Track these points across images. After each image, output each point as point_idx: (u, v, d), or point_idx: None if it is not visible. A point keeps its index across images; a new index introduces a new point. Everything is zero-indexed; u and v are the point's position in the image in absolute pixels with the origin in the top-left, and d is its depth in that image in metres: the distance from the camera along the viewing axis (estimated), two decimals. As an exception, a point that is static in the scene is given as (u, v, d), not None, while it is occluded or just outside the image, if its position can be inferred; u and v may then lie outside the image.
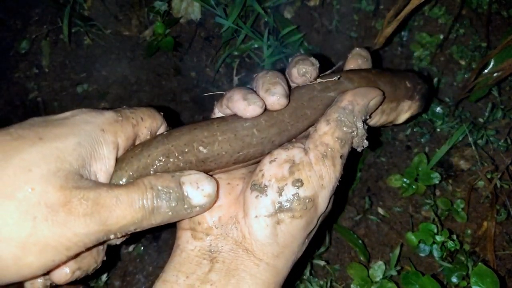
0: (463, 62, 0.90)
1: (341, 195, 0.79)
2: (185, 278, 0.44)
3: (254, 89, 0.47)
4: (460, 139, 0.81)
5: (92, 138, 0.40)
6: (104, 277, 0.72)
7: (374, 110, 0.52)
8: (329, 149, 0.46)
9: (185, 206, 0.42)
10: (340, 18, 0.91)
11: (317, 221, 0.47)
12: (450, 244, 0.72)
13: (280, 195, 0.44)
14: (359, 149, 0.49)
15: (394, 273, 0.71)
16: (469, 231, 0.76)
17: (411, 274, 0.68)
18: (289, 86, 0.48)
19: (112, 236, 0.39)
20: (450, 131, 0.83)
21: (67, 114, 0.43)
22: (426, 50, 0.89)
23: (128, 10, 0.94)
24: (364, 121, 0.49)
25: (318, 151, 0.46)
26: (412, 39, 0.91)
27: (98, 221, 0.37)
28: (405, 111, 0.59)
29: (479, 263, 0.65)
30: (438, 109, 0.84)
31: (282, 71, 0.49)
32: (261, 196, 0.44)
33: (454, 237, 0.73)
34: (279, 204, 0.44)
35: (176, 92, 0.89)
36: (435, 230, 0.73)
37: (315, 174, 0.45)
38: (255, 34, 0.86)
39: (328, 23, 0.91)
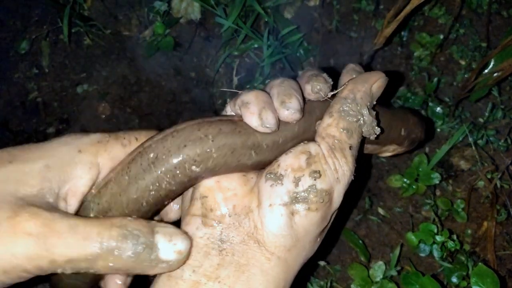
0: (463, 62, 0.90)
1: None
2: (191, 272, 0.40)
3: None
4: (460, 139, 0.81)
5: (65, 159, 0.39)
6: (104, 278, 0.71)
7: (380, 94, 0.49)
8: (336, 141, 0.44)
9: (152, 257, 0.37)
10: (340, 18, 0.91)
11: (331, 218, 0.45)
12: (450, 244, 0.72)
13: (297, 185, 0.42)
14: (372, 137, 0.46)
15: (394, 273, 0.71)
16: (469, 231, 0.76)
17: (411, 274, 0.68)
18: (303, 98, 0.47)
19: (59, 270, 0.35)
20: (450, 131, 0.83)
21: (57, 138, 0.42)
22: (426, 50, 0.89)
23: (128, 10, 0.94)
24: (371, 107, 0.47)
25: (326, 142, 0.44)
26: (412, 39, 0.91)
27: (42, 245, 0.33)
28: (389, 152, 0.59)
29: (479, 263, 0.65)
30: (438, 109, 0.84)
31: (294, 78, 0.49)
32: (276, 185, 0.43)
33: (454, 237, 0.73)
34: (295, 195, 0.42)
35: (176, 92, 0.89)
36: (435, 230, 0.72)
37: (329, 167, 0.43)
38: (255, 34, 0.86)
39: (328, 23, 0.91)
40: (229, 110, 0.48)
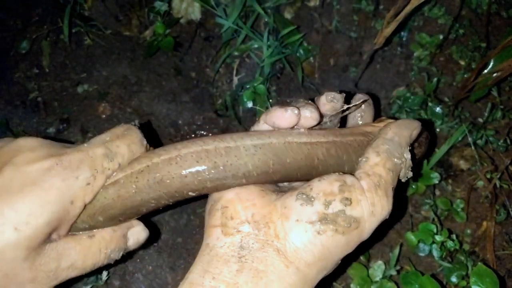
0: (462, 62, 0.90)
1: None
2: (211, 279, 0.42)
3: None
4: (460, 139, 0.81)
5: (62, 206, 0.44)
6: (104, 277, 0.72)
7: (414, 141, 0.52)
8: (383, 181, 0.46)
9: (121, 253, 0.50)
10: (340, 19, 0.91)
11: (354, 248, 0.46)
12: (449, 244, 0.72)
13: (327, 207, 0.43)
14: (403, 180, 0.49)
15: (393, 272, 0.71)
16: (468, 231, 0.76)
17: (411, 273, 0.68)
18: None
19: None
20: (449, 131, 0.84)
21: (38, 173, 0.44)
22: (426, 50, 0.89)
23: (128, 10, 0.95)
24: (410, 152, 0.49)
25: (371, 180, 0.46)
26: (412, 39, 0.91)
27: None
28: None
29: (479, 263, 0.65)
30: (438, 109, 0.84)
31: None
32: (306, 205, 0.44)
33: (454, 237, 0.73)
34: (324, 215, 0.43)
35: (176, 92, 0.89)
36: (435, 230, 0.73)
37: (366, 199, 0.44)
38: (255, 34, 0.86)
39: (328, 23, 0.91)
40: (261, 123, 0.51)
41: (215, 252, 0.44)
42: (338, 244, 0.44)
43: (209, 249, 0.45)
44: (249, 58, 0.90)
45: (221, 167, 0.45)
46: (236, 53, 0.89)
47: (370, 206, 0.44)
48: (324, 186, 0.45)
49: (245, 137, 0.47)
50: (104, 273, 0.72)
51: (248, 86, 0.85)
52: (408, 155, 0.48)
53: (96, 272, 0.73)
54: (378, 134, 0.50)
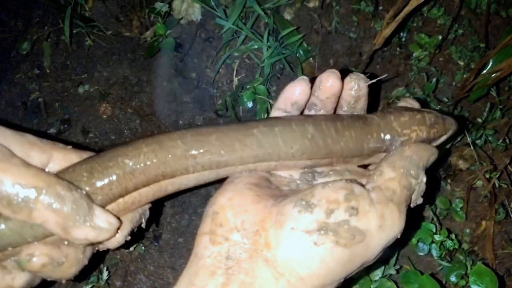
0: (462, 62, 0.90)
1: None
2: None
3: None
4: (459, 139, 0.81)
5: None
6: (105, 277, 0.72)
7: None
8: (396, 196, 0.42)
9: (88, 214, 0.38)
10: (339, 19, 0.91)
11: (358, 267, 0.41)
12: (449, 243, 0.72)
13: (328, 216, 0.39)
14: (412, 205, 0.45)
15: (393, 272, 0.71)
16: (468, 231, 0.77)
17: (410, 273, 0.68)
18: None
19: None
20: (449, 131, 0.84)
21: None
22: (425, 50, 0.90)
23: (129, 11, 0.95)
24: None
25: (383, 194, 0.42)
26: (411, 40, 0.91)
27: None
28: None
29: (478, 262, 0.66)
30: (437, 109, 0.84)
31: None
32: (304, 212, 0.39)
33: (453, 236, 0.73)
34: (324, 225, 0.38)
35: (177, 92, 0.89)
36: (434, 230, 0.73)
37: (375, 211, 0.40)
38: (255, 35, 0.87)
39: (328, 24, 0.92)
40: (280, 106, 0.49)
41: (202, 263, 0.40)
42: (338, 260, 0.39)
43: (197, 259, 0.41)
44: (249, 59, 0.90)
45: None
46: (236, 54, 0.89)
47: (380, 219, 0.40)
48: (327, 193, 0.40)
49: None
50: (105, 273, 0.72)
51: (248, 87, 0.85)
52: (424, 178, 0.45)
53: (97, 272, 0.73)
54: (395, 149, 0.46)
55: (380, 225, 0.40)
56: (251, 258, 0.39)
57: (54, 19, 0.94)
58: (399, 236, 0.42)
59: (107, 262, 0.75)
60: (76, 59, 0.93)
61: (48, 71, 0.92)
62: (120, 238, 0.44)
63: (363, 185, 0.43)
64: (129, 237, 0.46)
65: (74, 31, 0.93)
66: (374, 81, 0.49)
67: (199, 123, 0.87)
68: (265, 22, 0.90)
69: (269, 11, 0.89)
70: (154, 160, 0.42)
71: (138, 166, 0.42)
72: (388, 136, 0.46)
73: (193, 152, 0.43)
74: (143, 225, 0.49)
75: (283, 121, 0.45)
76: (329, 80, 0.47)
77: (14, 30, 0.96)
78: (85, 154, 0.45)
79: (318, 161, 0.46)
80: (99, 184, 0.41)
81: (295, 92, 0.47)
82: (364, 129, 0.46)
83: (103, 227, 0.40)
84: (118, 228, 0.42)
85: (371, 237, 0.39)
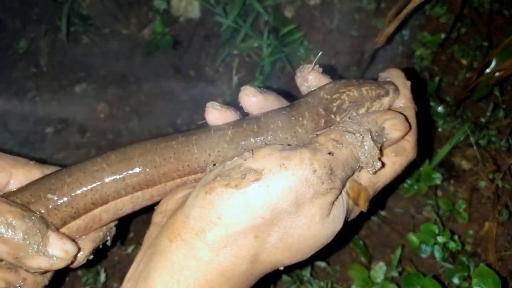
0: (464, 61, 0.89)
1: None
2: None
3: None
4: (462, 139, 0.80)
5: None
6: (102, 279, 0.71)
7: (396, 142, 0.45)
8: (316, 145, 0.39)
9: (41, 244, 0.38)
10: (340, 17, 0.91)
11: (278, 225, 0.38)
12: (451, 245, 0.71)
13: (224, 166, 0.38)
14: (370, 170, 0.42)
15: (395, 274, 0.71)
16: (470, 232, 0.76)
17: (413, 275, 0.67)
18: None
19: None
20: (451, 131, 0.83)
21: None
22: (428, 49, 0.89)
23: (126, 9, 0.94)
24: (379, 142, 0.42)
25: (305, 146, 0.39)
26: (414, 38, 0.91)
27: None
28: None
29: (481, 264, 0.65)
30: (440, 108, 0.83)
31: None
32: (209, 171, 0.40)
33: (456, 237, 0.73)
34: (219, 173, 0.37)
35: (175, 91, 0.89)
36: (437, 231, 0.72)
37: (279, 153, 0.37)
38: (255, 33, 0.86)
39: (329, 22, 0.91)
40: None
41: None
42: (233, 204, 0.35)
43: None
44: (249, 57, 0.90)
45: None
46: (236, 52, 0.89)
47: (281, 159, 0.36)
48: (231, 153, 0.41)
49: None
50: (103, 275, 0.72)
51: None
52: (367, 136, 0.42)
53: (95, 273, 0.73)
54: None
55: (282, 164, 0.36)
56: (159, 235, 0.40)
57: (51, 17, 0.94)
58: (314, 182, 0.36)
59: (104, 263, 0.74)
60: (73, 58, 0.92)
61: (45, 69, 0.91)
62: (81, 258, 0.44)
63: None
64: (92, 256, 0.45)
65: (71, 29, 0.93)
66: (313, 65, 0.50)
67: (198, 123, 0.86)
68: (265, 20, 0.89)
69: (269, 9, 0.89)
70: (81, 190, 0.41)
71: (63, 200, 0.41)
72: (321, 108, 0.44)
73: (120, 173, 0.42)
74: (109, 243, 0.48)
75: (204, 129, 0.44)
76: (243, 101, 0.45)
77: (11, 28, 0.95)
78: (48, 170, 0.44)
79: None
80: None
81: (212, 120, 0.45)
82: (291, 114, 0.43)
83: (58, 256, 0.39)
84: (78, 252, 0.41)
85: (270, 175, 0.36)
